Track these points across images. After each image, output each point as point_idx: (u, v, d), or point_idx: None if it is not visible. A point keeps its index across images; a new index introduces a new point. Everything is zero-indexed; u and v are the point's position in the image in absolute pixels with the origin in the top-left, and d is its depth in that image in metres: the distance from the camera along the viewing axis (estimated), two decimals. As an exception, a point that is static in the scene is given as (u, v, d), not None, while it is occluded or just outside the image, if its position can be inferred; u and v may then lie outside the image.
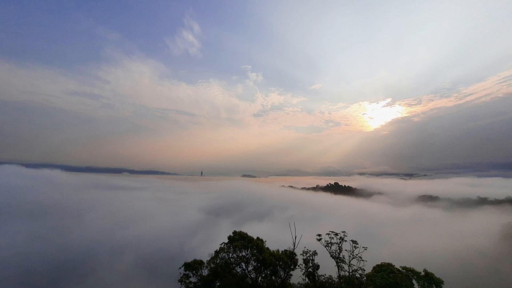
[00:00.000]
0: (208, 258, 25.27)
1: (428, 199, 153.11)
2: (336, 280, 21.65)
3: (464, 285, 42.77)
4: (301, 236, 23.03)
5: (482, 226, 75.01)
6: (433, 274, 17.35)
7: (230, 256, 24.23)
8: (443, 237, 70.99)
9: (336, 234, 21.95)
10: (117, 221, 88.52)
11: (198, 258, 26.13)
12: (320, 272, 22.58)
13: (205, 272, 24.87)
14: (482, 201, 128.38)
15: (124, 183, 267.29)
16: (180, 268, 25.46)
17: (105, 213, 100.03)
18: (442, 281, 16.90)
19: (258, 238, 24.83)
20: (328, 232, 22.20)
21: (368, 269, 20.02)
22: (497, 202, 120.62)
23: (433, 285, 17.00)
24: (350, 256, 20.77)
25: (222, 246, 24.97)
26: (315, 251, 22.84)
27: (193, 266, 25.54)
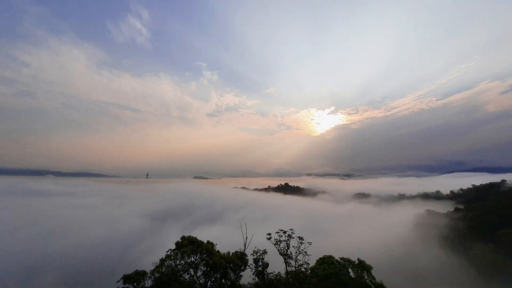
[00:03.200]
0: (152, 268, 23.26)
1: (362, 196, 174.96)
2: (284, 276, 22.59)
3: (389, 268, 50.19)
4: (252, 236, 23.28)
5: (402, 217, 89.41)
6: (365, 262, 19.72)
7: (178, 263, 22.81)
8: (374, 229, 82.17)
9: (285, 232, 22.94)
10: (34, 235, 73.48)
11: (141, 268, 23.82)
12: (269, 270, 23.22)
13: (148, 283, 22.81)
14: (401, 197, 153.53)
15: (47, 187, 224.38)
16: (118, 281, 22.77)
17: (18, 225, 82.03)
18: (371, 267, 19.34)
19: (208, 241, 24.03)
20: (277, 231, 23.05)
21: (313, 263, 21.52)
22: (411, 197, 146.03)
23: (364, 271, 19.34)
24: (296, 252, 21.95)
25: (169, 253, 23.33)
26: (265, 250, 23.40)
27: (134, 278, 23.09)
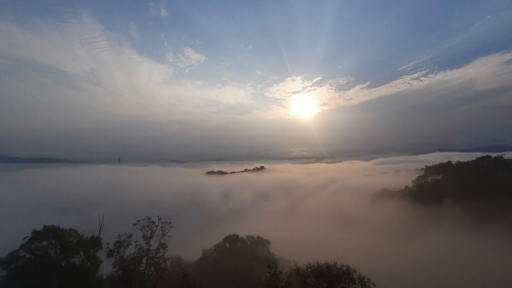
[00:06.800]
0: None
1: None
2: (143, 265, 23.76)
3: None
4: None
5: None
6: (262, 238, 20.62)
7: (34, 250, 22.67)
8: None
9: (149, 218, 24.93)
10: None
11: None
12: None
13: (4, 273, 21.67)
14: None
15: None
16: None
17: None
18: (269, 242, 20.63)
19: (71, 229, 24.91)
20: (143, 218, 24.92)
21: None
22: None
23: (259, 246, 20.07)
24: (160, 236, 24.73)
25: (25, 242, 23.04)
26: (131, 234, 24.24)
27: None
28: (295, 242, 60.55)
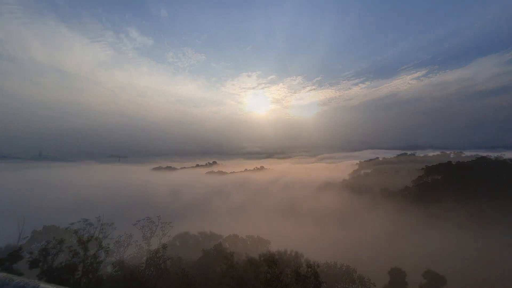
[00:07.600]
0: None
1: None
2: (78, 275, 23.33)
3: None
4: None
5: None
6: (237, 235, 20.48)
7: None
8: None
9: (86, 220, 24.70)
10: None
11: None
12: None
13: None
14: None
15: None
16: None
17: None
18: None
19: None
20: (79, 220, 25.22)
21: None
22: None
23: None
24: (99, 238, 24.42)
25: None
26: (62, 239, 23.58)
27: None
28: (295, 242, 60.71)
